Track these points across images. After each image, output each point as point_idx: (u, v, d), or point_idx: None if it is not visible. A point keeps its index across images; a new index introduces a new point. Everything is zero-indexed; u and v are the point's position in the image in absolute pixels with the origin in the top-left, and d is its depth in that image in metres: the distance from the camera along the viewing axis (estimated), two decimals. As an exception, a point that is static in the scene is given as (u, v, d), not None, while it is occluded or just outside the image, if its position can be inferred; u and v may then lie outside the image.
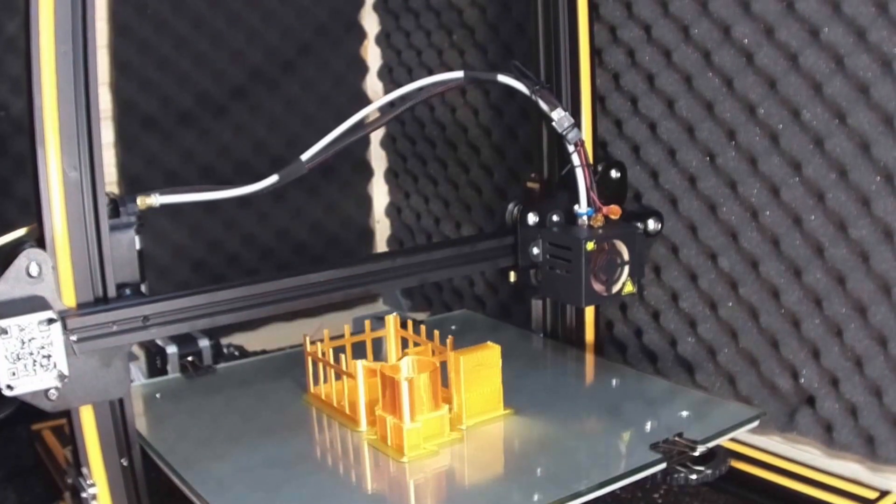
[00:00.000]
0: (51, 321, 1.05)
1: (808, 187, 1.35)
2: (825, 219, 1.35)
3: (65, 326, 1.08)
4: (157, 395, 1.40)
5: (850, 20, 1.26)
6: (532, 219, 1.42)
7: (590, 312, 1.58)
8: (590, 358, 1.54)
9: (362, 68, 2.10)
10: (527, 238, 1.42)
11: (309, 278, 1.27)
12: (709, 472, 1.19)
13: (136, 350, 1.80)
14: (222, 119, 1.91)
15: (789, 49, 1.33)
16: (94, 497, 1.15)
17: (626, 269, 1.36)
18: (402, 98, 1.38)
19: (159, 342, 1.58)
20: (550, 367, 1.53)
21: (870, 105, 1.26)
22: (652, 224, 1.45)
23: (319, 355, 1.31)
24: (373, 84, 2.11)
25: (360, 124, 1.34)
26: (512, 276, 1.46)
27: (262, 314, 1.25)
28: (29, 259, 1.07)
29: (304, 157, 1.30)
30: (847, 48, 1.27)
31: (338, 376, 1.30)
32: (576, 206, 1.38)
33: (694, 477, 1.17)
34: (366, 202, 2.17)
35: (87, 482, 1.15)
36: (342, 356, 1.27)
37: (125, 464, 1.17)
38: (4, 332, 1.03)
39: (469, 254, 1.42)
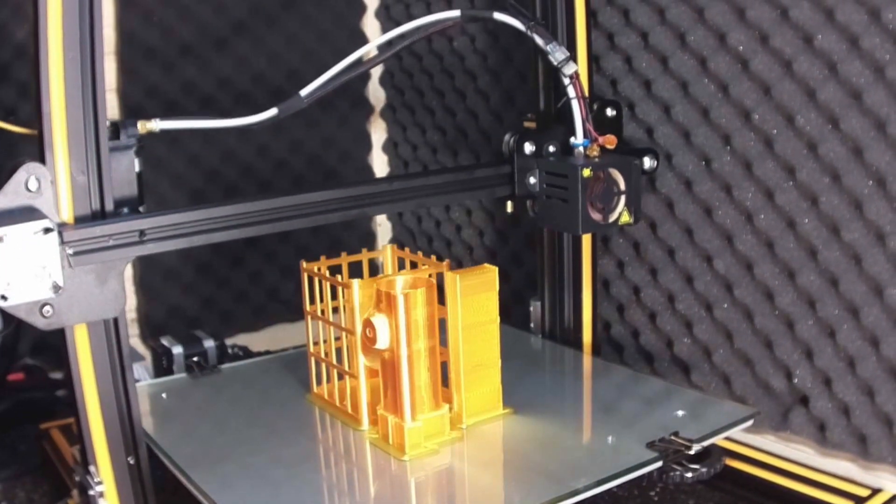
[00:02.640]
0: (47, 231, 1.03)
1: (802, 191, 1.36)
2: (818, 222, 1.35)
3: (61, 239, 1.06)
4: (163, 395, 1.40)
5: (843, 27, 1.26)
6: (528, 148, 1.41)
7: (587, 314, 1.58)
8: (587, 358, 1.54)
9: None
10: (523, 167, 1.41)
11: (306, 197, 1.25)
12: (704, 470, 1.19)
13: (143, 350, 1.80)
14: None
15: (783, 56, 1.34)
16: (101, 495, 1.15)
17: (623, 198, 1.35)
18: (400, 37, 1.37)
19: (165, 343, 1.58)
20: (549, 368, 1.53)
21: (862, 111, 1.26)
22: (648, 162, 1.43)
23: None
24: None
25: (357, 62, 1.32)
26: (509, 207, 1.45)
27: (258, 232, 1.23)
28: (28, 173, 1.05)
29: (303, 92, 1.29)
30: (840, 55, 1.27)
31: (340, 376, 1.30)
32: (572, 138, 1.37)
33: (689, 475, 1.17)
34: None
35: (95, 480, 1.15)
36: (344, 355, 1.28)
37: (132, 462, 1.17)
38: (0, 240, 1.01)
39: (466, 181, 1.41)
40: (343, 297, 1.27)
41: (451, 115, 1.96)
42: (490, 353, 1.26)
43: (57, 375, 1.74)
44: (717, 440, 1.22)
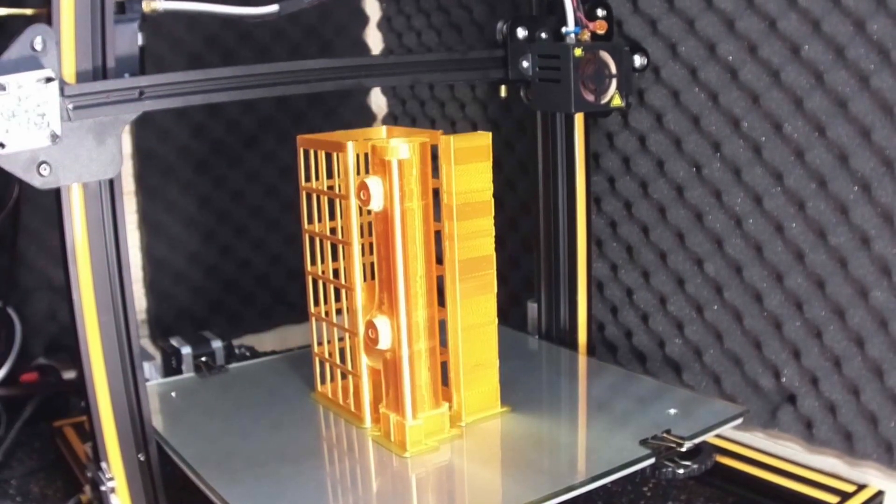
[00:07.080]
0: (49, 80, 1.02)
1: (790, 197, 1.36)
2: (806, 226, 1.35)
3: (62, 92, 1.04)
4: (173, 394, 1.40)
5: (830, 38, 1.26)
6: (521, 33, 1.40)
7: (582, 315, 1.58)
8: (582, 358, 1.54)
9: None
10: (516, 51, 1.40)
11: (303, 64, 1.24)
12: (695, 466, 1.18)
13: (153, 350, 1.80)
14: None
15: (772, 65, 1.34)
16: (112, 490, 1.15)
17: (614, 82, 1.35)
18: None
19: (174, 343, 1.58)
20: (545, 368, 1.53)
21: (848, 118, 1.26)
22: (638, 60, 1.42)
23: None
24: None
25: None
26: (503, 91, 1.45)
27: (254, 95, 1.21)
28: (35, 33, 1.03)
29: None
30: (826, 65, 1.27)
31: (343, 375, 1.30)
32: (563, 27, 1.37)
33: (681, 471, 1.17)
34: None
35: (106, 476, 1.15)
36: (347, 355, 1.28)
37: (142, 458, 1.17)
38: (2, 87, 0.99)
39: (460, 60, 1.40)
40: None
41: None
42: (488, 354, 1.26)
43: (70, 375, 1.74)
44: (708, 437, 1.22)
